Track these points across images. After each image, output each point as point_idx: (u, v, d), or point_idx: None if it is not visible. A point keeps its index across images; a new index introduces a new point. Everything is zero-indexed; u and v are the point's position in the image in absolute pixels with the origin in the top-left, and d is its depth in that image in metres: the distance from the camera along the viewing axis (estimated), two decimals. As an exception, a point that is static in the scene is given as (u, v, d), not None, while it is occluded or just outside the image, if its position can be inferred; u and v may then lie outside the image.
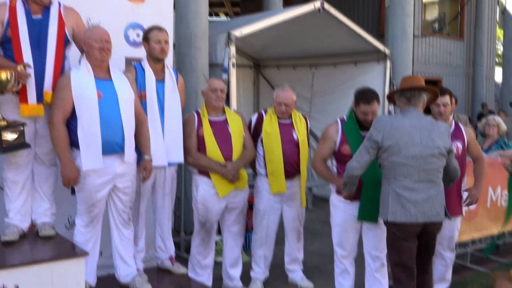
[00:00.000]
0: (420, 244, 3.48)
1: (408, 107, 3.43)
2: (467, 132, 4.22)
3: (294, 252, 4.70)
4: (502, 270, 4.86)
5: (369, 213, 3.85)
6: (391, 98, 3.69)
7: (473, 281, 4.89)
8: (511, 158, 4.77)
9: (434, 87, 3.60)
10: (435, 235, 3.53)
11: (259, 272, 4.62)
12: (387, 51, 7.65)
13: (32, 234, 3.62)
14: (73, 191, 3.71)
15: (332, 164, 4.16)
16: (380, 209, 3.53)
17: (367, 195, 3.83)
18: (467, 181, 4.36)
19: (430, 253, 3.59)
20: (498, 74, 17.03)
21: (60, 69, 3.47)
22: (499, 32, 19.18)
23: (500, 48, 23.23)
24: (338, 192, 3.95)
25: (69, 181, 3.41)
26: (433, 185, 3.37)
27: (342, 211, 4.00)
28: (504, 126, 5.94)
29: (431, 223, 3.40)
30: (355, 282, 4.21)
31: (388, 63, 7.62)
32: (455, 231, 4.29)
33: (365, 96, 3.89)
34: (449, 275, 4.41)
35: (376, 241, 3.95)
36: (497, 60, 19.06)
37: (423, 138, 3.31)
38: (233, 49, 5.92)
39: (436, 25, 15.53)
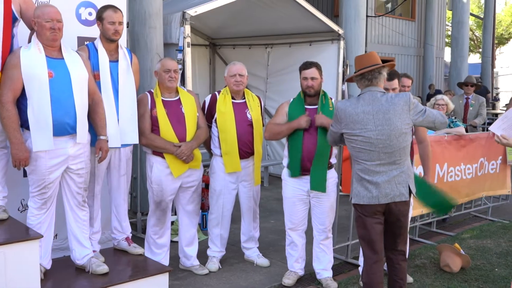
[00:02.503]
0: (386, 222, 3.47)
1: (365, 89, 3.39)
2: None
3: (250, 230, 4.79)
4: (448, 243, 5.09)
5: (318, 184, 4.14)
6: (351, 81, 3.69)
7: (421, 253, 5.11)
8: None
9: (390, 63, 3.53)
10: (401, 214, 3.44)
11: (216, 251, 4.69)
12: (341, 31, 7.76)
13: (-17, 217, 3.55)
14: (25, 173, 3.66)
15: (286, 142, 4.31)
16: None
17: (316, 167, 4.12)
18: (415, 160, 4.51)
19: (397, 231, 3.51)
20: (447, 54, 17.51)
21: (9, 48, 3.38)
22: (449, 14, 19.67)
23: (449, 29, 23.84)
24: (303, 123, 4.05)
25: (20, 163, 3.35)
26: (396, 166, 3.33)
27: (291, 185, 4.24)
28: (451, 105, 6.16)
29: (395, 203, 3.37)
30: (306, 253, 4.47)
31: (342, 43, 7.74)
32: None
33: (304, 64, 4.22)
34: None
35: (322, 216, 4.28)
36: (446, 40, 19.57)
37: (377, 123, 3.27)
38: (188, 29, 5.88)
39: (389, 6, 15.78)
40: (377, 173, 3.32)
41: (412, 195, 3.46)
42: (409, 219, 3.64)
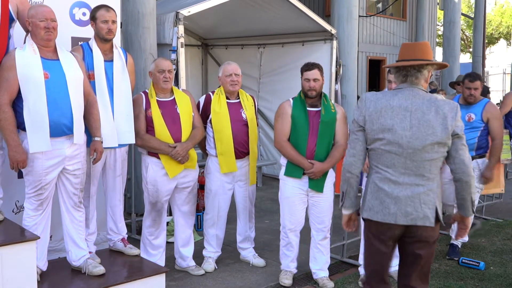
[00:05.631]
0: (401, 248, 2.84)
1: (403, 84, 2.81)
2: None
3: (246, 231, 4.78)
4: (443, 242, 5.11)
5: (316, 183, 4.15)
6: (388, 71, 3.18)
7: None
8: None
9: (440, 62, 2.93)
10: (423, 243, 2.75)
11: (211, 251, 4.69)
12: (333, 31, 7.77)
13: (-21, 219, 3.52)
14: (20, 175, 3.64)
15: None
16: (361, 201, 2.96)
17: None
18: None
19: (413, 263, 2.80)
20: (439, 54, 17.62)
21: (5, 49, 3.36)
22: (439, 13, 19.79)
23: (440, 29, 24.00)
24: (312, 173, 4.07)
25: (17, 164, 3.32)
26: (424, 180, 2.70)
27: (290, 185, 4.22)
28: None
29: (416, 227, 2.72)
30: (301, 252, 4.48)
31: (335, 43, 7.76)
32: None
33: (306, 65, 4.21)
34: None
35: (321, 215, 4.27)
36: (437, 40, 19.68)
37: (414, 122, 2.68)
38: (181, 29, 5.87)
39: (380, 6, 15.84)
40: (399, 184, 2.70)
41: (439, 221, 2.76)
42: (433, 254, 2.89)
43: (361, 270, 4.42)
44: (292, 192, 4.22)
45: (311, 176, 4.12)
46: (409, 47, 2.84)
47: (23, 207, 3.53)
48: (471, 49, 21.73)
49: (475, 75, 4.95)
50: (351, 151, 2.85)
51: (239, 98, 4.59)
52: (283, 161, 4.27)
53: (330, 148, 4.16)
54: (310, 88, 4.14)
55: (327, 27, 7.70)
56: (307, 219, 4.35)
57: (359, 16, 11.63)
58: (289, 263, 4.41)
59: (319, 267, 4.36)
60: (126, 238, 4.19)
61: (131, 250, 4.07)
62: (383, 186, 2.73)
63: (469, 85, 4.93)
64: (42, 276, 3.54)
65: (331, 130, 4.15)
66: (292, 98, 4.27)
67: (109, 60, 3.88)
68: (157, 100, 4.20)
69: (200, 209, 5.59)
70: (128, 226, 4.99)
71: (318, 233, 4.30)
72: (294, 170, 4.17)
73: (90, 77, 3.75)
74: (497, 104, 16.96)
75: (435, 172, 2.72)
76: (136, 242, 4.55)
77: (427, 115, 2.68)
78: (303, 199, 4.24)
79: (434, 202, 2.71)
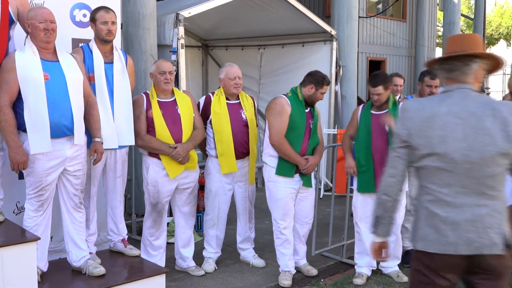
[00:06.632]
0: (469, 284, 2.35)
1: (451, 85, 2.35)
2: None
3: (246, 231, 4.80)
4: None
5: (307, 179, 4.33)
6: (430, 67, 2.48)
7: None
8: None
9: (490, 53, 2.36)
10: (493, 275, 2.27)
11: (212, 252, 4.70)
12: (333, 32, 7.79)
13: (-21, 220, 3.53)
14: (20, 176, 3.65)
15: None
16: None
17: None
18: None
19: None
20: (439, 55, 17.63)
21: (5, 50, 3.37)
22: (439, 14, 19.81)
23: (440, 30, 24.03)
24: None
25: (18, 166, 3.33)
26: (486, 199, 2.24)
27: (283, 185, 4.29)
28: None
29: (483, 257, 2.24)
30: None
31: (335, 44, 7.78)
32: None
33: (326, 78, 4.31)
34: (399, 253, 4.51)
35: (307, 209, 4.45)
36: (437, 41, 19.71)
37: (468, 131, 2.22)
38: (181, 30, 5.89)
39: (380, 7, 15.86)
40: (456, 206, 2.25)
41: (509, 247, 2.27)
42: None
43: (358, 269, 4.49)
44: (286, 193, 4.28)
45: (306, 172, 4.24)
46: (455, 39, 2.40)
47: (24, 208, 3.55)
48: (471, 50, 21.67)
49: (435, 73, 4.79)
50: (391, 171, 2.40)
51: (238, 99, 4.62)
52: (274, 163, 4.28)
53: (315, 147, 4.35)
54: (320, 99, 4.31)
55: (327, 28, 7.72)
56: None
57: (359, 17, 11.64)
58: (287, 262, 4.42)
59: (300, 257, 4.57)
60: (126, 239, 4.20)
61: (131, 250, 4.08)
62: (436, 210, 2.28)
63: (430, 83, 4.59)
64: (43, 277, 3.55)
65: (317, 130, 4.36)
66: (286, 96, 4.30)
67: (109, 62, 3.90)
68: (158, 101, 4.22)
69: (200, 210, 5.61)
70: (129, 227, 5.00)
71: (304, 226, 4.46)
72: (287, 169, 4.22)
73: (90, 79, 3.76)
74: (497, 104, 16.94)
75: (499, 189, 2.27)
76: (136, 243, 4.57)
77: (484, 121, 2.22)
78: (293, 197, 4.34)
79: (500, 225, 2.25)
